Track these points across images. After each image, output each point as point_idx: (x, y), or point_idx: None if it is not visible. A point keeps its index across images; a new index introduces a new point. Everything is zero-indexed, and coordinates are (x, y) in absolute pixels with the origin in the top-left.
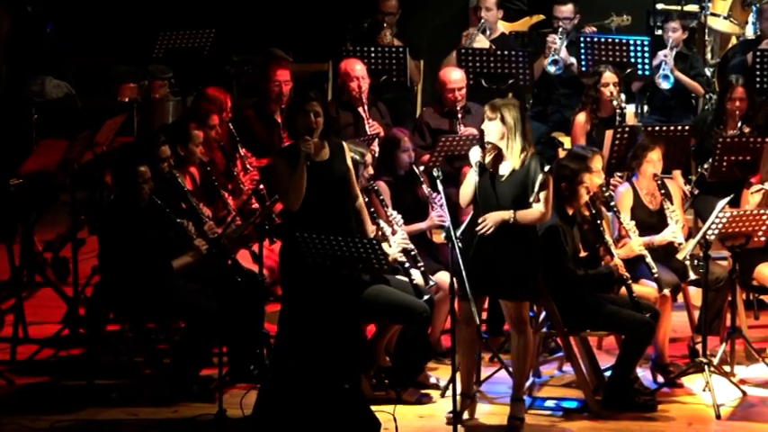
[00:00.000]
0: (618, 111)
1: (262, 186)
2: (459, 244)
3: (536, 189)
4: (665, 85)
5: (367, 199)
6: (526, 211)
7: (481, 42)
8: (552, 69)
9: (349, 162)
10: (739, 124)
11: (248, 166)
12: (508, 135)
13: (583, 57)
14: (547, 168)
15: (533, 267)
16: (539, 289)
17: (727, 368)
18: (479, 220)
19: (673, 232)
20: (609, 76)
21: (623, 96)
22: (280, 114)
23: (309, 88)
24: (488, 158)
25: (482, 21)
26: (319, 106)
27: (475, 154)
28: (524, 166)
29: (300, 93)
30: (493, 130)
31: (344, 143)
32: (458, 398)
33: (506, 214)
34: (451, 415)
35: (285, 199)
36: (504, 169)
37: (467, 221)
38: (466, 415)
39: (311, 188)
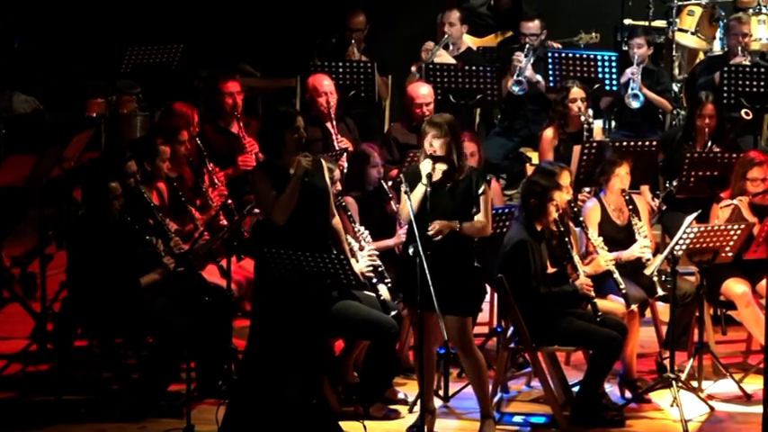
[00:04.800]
0: (585, 126)
1: (230, 201)
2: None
3: (479, 200)
4: (634, 105)
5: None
6: (471, 223)
7: (443, 58)
8: (516, 89)
9: (327, 179)
10: (709, 144)
11: (216, 180)
12: (454, 149)
13: (551, 72)
14: (488, 177)
15: (472, 282)
16: (479, 304)
17: (694, 383)
18: (429, 227)
19: (641, 248)
20: (576, 92)
21: (591, 111)
22: (237, 125)
23: (282, 102)
24: (437, 171)
25: (446, 36)
26: (303, 120)
27: (426, 166)
28: (465, 179)
29: (279, 109)
30: (441, 145)
31: (322, 159)
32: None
33: (454, 224)
34: (413, 430)
35: (271, 213)
36: (445, 181)
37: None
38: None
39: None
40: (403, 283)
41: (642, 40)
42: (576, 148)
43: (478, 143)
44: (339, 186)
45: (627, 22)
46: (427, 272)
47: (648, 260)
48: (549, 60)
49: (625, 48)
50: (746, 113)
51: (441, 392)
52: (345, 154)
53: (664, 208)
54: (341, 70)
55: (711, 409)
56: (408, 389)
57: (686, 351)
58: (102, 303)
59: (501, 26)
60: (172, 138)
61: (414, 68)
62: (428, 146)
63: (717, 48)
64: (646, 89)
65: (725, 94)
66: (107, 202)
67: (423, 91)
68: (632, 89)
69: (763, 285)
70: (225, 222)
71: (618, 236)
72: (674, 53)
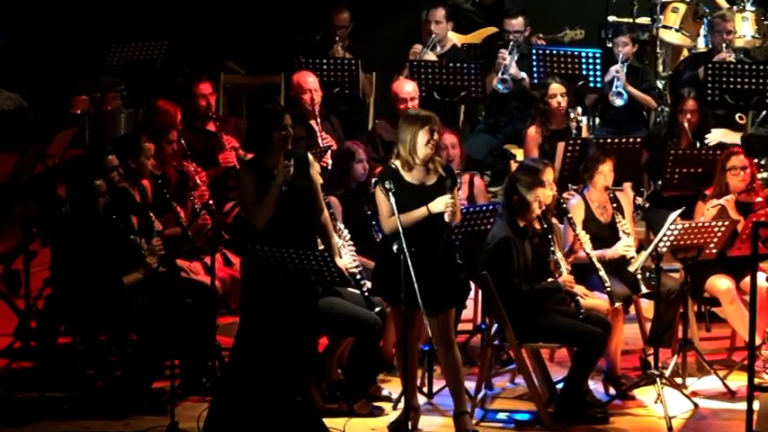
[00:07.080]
0: (574, 124)
1: (211, 202)
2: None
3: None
4: (618, 102)
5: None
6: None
7: (427, 56)
8: (501, 87)
9: (314, 174)
10: (697, 144)
11: (197, 180)
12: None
13: (535, 69)
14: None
15: (455, 276)
16: (462, 297)
17: (678, 380)
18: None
19: (624, 246)
20: (555, 88)
21: (579, 109)
22: (213, 125)
23: (268, 100)
24: (415, 172)
25: (432, 36)
26: (289, 118)
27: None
28: (444, 177)
29: (267, 107)
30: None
31: (310, 154)
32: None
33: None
34: (394, 426)
35: (251, 216)
36: (431, 180)
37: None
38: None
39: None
40: (385, 281)
41: (627, 39)
42: (560, 146)
43: (457, 135)
44: (320, 180)
45: (611, 18)
46: (411, 269)
47: (632, 258)
48: (534, 57)
49: (609, 45)
50: (740, 118)
51: (425, 389)
52: (330, 152)
53: (647, 206)
54: (325, 67)
55: (695, 405)
56: (392, 386)
57: (670, 348)
58: (86, 301)
59: (486, 22)
60: (161, 136)
61: (403, 77)
62: (427, 137)
63: (701, 45)
64: (630, 87)
65: (709, 91)
66: (92, 200)
67: (407, 87)
68: (616, 87)
69: (747, 282)
70: (208, 221)
71: (601, 233)
72: (658, 50)
